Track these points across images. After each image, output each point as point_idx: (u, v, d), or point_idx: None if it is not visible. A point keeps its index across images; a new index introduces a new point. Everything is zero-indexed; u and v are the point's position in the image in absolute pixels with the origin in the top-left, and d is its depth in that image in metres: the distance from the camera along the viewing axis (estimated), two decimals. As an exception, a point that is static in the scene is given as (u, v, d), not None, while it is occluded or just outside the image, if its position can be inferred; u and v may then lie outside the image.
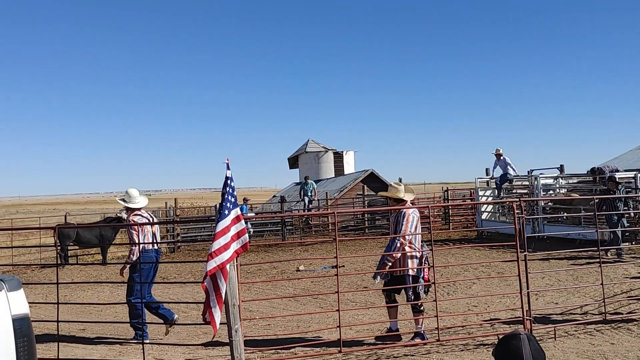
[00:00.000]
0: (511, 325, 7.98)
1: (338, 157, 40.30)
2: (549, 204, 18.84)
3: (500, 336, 3.02)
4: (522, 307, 7.51)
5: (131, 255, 8.49)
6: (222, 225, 6.29)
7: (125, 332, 9.03)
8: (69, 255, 19.87)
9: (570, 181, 20.27)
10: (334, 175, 38.79)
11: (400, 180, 27.65)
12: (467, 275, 12.80)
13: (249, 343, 7.17)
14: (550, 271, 11.71)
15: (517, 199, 8.75)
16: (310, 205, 26.19)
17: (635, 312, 8.56)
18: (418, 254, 7.68)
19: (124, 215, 20.37)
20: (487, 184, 22.75)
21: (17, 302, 2.88)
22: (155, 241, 8.83)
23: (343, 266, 14.89)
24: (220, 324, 6.27)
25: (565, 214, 17.53)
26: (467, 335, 7.78)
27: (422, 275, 7.69)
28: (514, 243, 7.72)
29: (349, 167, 40.35)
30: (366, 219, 26.27)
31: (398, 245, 7.55)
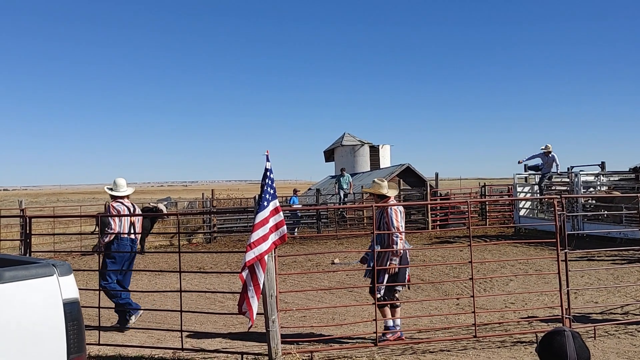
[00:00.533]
0: (549, 324, 7.86)
1: (374, 151, 40.15)
2: (590, 201, 18.50)
3: (540, 334, 2.99)
4: (561, 306, 7.40)
5: (104, 238, 8.89)
6: (261, 216, 6.35)
7: (163, 320, 9.18)
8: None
9: (612, 179, 19.85)
10: (369, 169, 38.67)
11: (436, 175, 27.46)
12: (504, 272, 12.66)
13: (285, 334, 7.22)
14: (590, 270, 11.50)
15: (558, 196, 8.62)
16: (346, 199, 26.15)
17: (679, 314, 8.37)
18: (400, 252, 7.59)
19: (162, 206, 20.72)
20: (526, 180, 22.46)
21: (68, 286, 2.96)
22: (133, 232, 9.18)
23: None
24: (257, 314, 6.34)
25: (606, 212, 17.19)
26: (504, 332, 7.70)
27: (403, 272, 7.60)
28: (553, 240, 7.62)
29: (385, 161, 40.17)
30: (401, 213, 26.10)
31: (397, 240, 7.45)
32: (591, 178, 19.79)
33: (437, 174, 27.75)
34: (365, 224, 24.27)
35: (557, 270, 7.48)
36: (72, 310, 2.93)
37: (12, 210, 26.20)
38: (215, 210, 24.34)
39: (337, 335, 7.83)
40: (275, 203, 6.62)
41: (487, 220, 24.69)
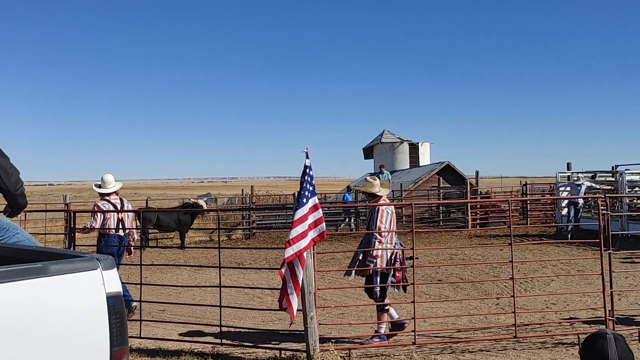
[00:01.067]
0: (592, 325, 7.71)
1: (413, 148, 39.82)
2: (635, 201, 18.06)
3: (583, 335, 2.94)
4: (604, 307, 7.24)
5: (87, 226, 9.35)
6: (300, 213, 6.36)
7: (202, 314, 9.30)
8: (149, 238, 20.57)
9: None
10: (408, 167, 38.39)
11: (477, 173, 27.14)
12: (545, 272, 12.46)
13: (323, 330, 7.24)
14: (634, 271, 11.24)
15: (602, 195, 8.44)
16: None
17: None
18: (389, 252, 7.45)
19: (202, 202, 20.97)
20: (568, 179, 22.04)
21: (111, 280, 3.03)
22: (122, 227, 9.51)
23: (417, 258, 14.77)
24: (297, 310, 6.37)
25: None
26: (545, 333, 7.58)
27: (391, 273, 7.47)
28: (597, 240, 7.47)
29: (425, 158, 39.81)
30: (441, 211, 25.95)
31: (375, 241, 7.33)
32: (637, 177, 19.31)
33: (477, 172, 27.44)
34: (404, 222, 24.13)
35: (600, 271, 7.34)
36: (115, 303, 3.00)
37: (57, 204, 26.77)
38: (254, 206, 24.52)
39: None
40: (315, 200, 6.63)
41: (529, 219, 24.36)
